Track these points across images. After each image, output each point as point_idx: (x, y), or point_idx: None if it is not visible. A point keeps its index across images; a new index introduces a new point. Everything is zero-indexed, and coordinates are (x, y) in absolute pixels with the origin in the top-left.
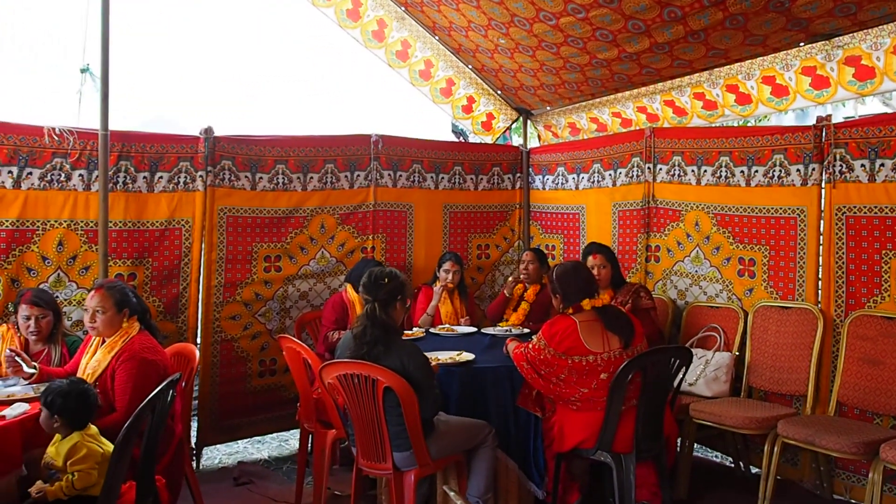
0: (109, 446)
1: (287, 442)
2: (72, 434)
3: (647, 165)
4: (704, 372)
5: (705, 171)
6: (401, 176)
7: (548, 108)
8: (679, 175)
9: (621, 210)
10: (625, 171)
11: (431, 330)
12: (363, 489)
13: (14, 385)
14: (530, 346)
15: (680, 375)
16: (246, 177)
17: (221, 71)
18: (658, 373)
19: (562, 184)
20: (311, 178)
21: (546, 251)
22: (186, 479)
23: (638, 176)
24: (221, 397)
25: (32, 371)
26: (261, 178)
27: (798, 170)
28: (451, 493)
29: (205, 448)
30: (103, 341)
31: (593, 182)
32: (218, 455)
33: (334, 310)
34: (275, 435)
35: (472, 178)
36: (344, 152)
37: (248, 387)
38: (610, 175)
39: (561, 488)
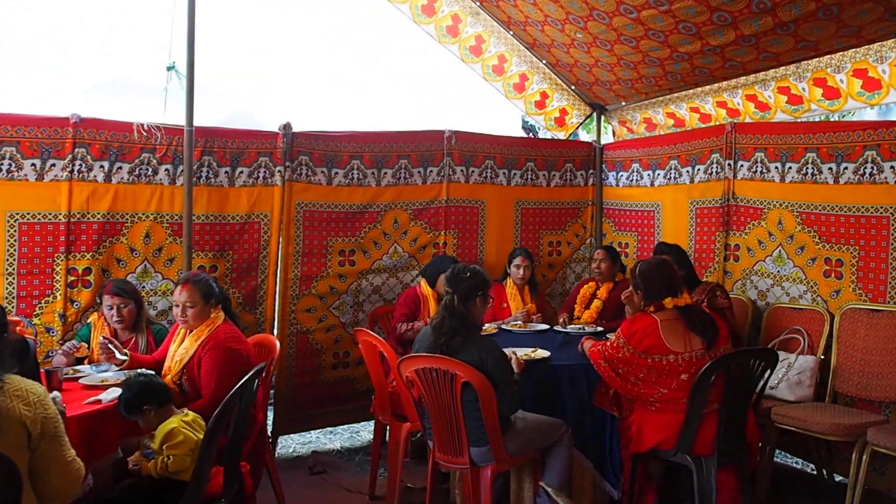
0: (202, 435)
1: (358, 434)
2: (171, 418)
3: (727, 162)
4: (787, 375)
5: (790, 167)
6: (473, 172)
7: (623, 103)
8: (761, 172)
9: (699, 207)
10: (703, 167)
11: (503, 326)
12: (436, 482)
13: (106, 371)
14: (608, 344)
15: (764, 378)
16: (322, 172)
17: (299, 68)
18: (742, 375)
19: (636, 180)
20: (385, 173)
21: (619, 249)
22: (266, 467)
23: (717, 173)
24: (296, 388)
25: (124, 358)
26: (336, 173)
27: (892, 167)
28: (549, 490)
29: (280, 437)
30: (191, 330)
31: (670, 179)
32: (292, 444)
33: (407, 303)
34: (346, 426)
35: (544, 175)
36: (417, 148)
37: (322, 378)
38: (687, 172)
39: (637, 489)
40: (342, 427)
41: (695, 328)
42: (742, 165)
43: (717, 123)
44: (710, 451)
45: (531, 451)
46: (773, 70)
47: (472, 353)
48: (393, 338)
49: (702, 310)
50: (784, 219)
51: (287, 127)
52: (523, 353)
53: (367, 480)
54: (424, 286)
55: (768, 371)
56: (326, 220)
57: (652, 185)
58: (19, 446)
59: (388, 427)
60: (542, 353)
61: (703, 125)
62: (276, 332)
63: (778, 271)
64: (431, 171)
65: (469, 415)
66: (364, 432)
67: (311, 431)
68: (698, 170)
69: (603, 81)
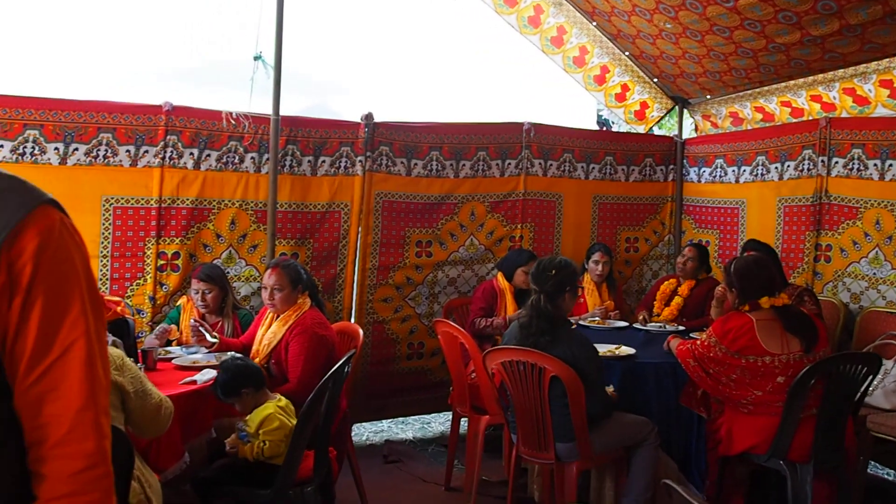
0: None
1: (429, 424)
2: (266, 403)
3: (820, 158)
4: (883, 382)
5: (891, 165)
6: (551, 165)
7: (708, 96)
8: (859, 169)
9: (787, 205)
10: (794, 164)
11: (581, 322)
12: (516, 476)
13: (195, 353)
14: (697, 342)
15: (865, 384)
16: (402, 162)
17: (376, 60)
18: (843, 380)
19: (720, 176)
20: (464, 165)
21: None
22: (347, 453)
23: (809, 169)
24: (370, 377)
25: (214, 340)
26: (415, 164)
27: None
28: (676, 486)
29: (353, 425)
30: (278, 315)
31: (756, 175)
32: (365, 433)
33: (484, 297)
34: (417, 417)
35: (623, 169)
36: (496, 140)
37: (396, 368)
38: (776, 168)
39: (724, 493)
40: (413, 417)
41: (793, 329)
42: (837, 162)
43: (811, 118)
44: (805, 458)
45: (617, 449)
46: (876, 63)
47: (562, 348)
48: (470, 332)
49: (801, 311)
50: (882, 219)
51: (369, 117)
52: (605, 350)
53: (441, 471)
54: (501, 280)
55: (871, 377)
56: (405, 211)
57: (737, 181)
58: (116, 408)
59: (463, 419)
60: (627, 350)
61: (795, 120)
62: (352, 320)
63: (874, 273)
64: (509, 164)
65: (556, 410)
66: (435, 423)
67: (384, 421)
68: (788, 166)
69: (689, 74)
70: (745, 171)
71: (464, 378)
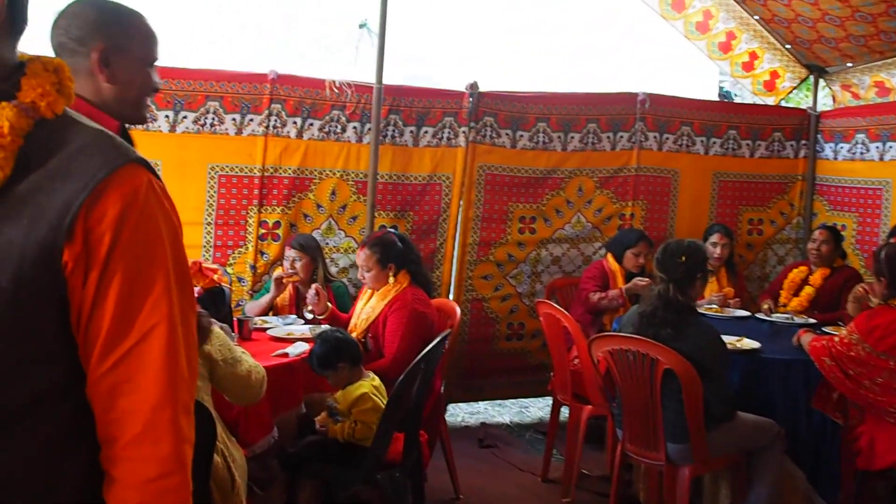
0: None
1: (527, 409)
2: (361, 381)
3: None
4: None
5: None
6: (667, 139)
7: (849, 64)
8: None
9: None
10: None
11: (697, 309)
12: (620, 473)
13: (291, 324)
14: (836, 339)
15: None
16: (507, 134)
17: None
18: None
19: (861, 154)
20: (572, 137)
21: None
22: (440, 436)
23: None
24: (467, 356)
25: (329, 306)
26: (521, 135)
27: None
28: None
29: (448, 405)
30: (374, 291)
31: None
32: (460, 413)
33: (595, 279)
34: (515, 400)
35: (747, 144)
36: (608, 111)
37: (495, 349)
38: None
39: None
40: (511, 400)
41: None
42: None
43: None
44: None
45: (736, 453)
46: None
47: (686, 341)
48: (585, 308)
49: None
50: None
51: (473, 86)
52: (727, 341)
53: (538, 460)
54: (611, 261)
55: None
56: (508, 185)
57: (881, 159)
58: (203, 377)
59: (564, 406)
60: (750, 343)
61: None
62: (450, 297)
63: None
64: (621, 137)
65: (669, 407)
66: (534, 408)
67: (480, 402)
68: None
69: (828, 39)
70: (891, 147)
71: (566, 364)
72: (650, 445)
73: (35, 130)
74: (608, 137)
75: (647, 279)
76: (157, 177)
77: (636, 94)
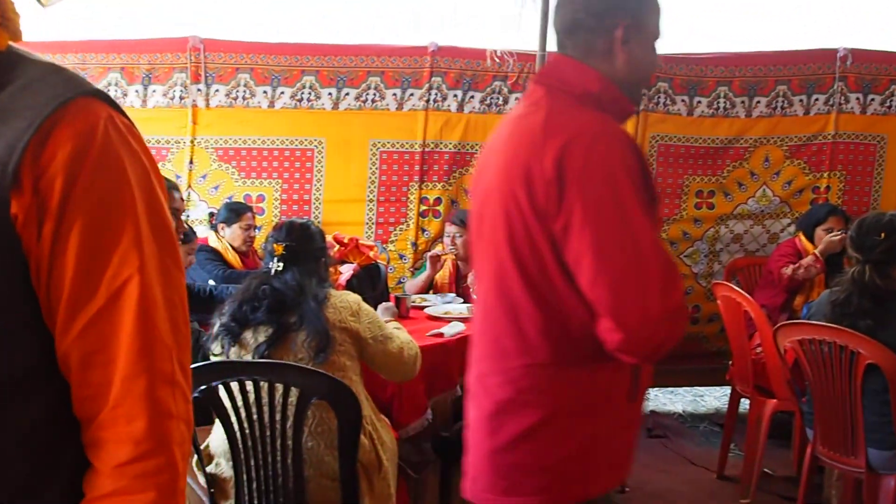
0: None
1: (702, 398)
2: None
3: None
4: None
5: None
6: (872, 100)
7: None
8: None
9: None
10: None
11: None
12: (811, 475)
13: (450, 302)
14: None
15: None
16: (682, 101)
17: None
18: None
19: None
20: (758, 102)
21: None
22: None
23: None
24: None
25: None
26: (699, 102)
27: None
28: None
29: None
30: None
31: None
32: None
33: (786, 257)
34: (688, 388)
35: None
36: (801, 71)
37: None
38: None
39: None
40: (683, 388)
41: None
42: None
43: None
44: None
45: None
46: None
47: (891, 330)
48: (780, 288)
49: None
50: None
51: None
52: None
53: (713, 454)
54: (804, 241)
55: None
56: (684, 156)
57: None
58: (351, 356)
59: (744, 399)
60: None
61: None
62: None
63: None
64: (817, 100)
65: (872, 407)
66: (709, 398)
67: (650, 389)
68: None
69: None
70: None
71: (747, 352)
72: (847, 450)
73: None
74: (801, 101)
75: (841, 233)
76: (122, 112)
77: (835, 50)
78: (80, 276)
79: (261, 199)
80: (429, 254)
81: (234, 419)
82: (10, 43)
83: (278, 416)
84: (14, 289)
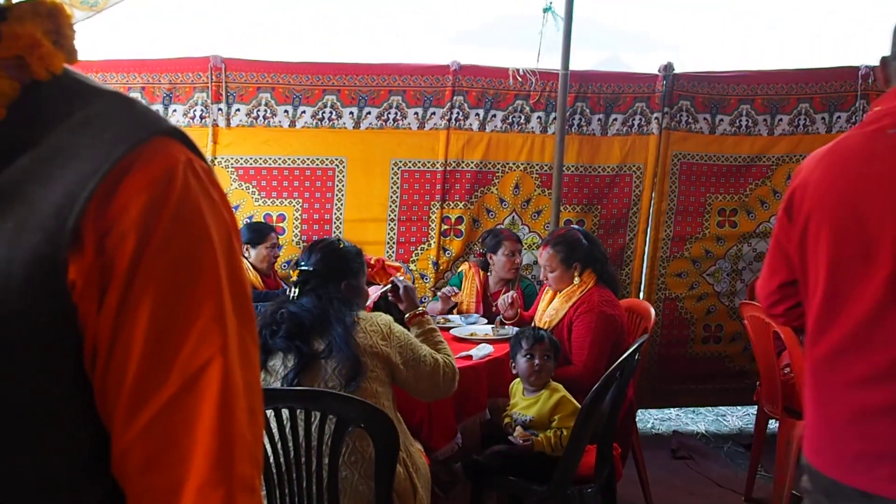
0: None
1: (724, 417)
2: (555, 391)
3: None
4: None
5: None
6: None
7: None
8: None
9: None
10: None
11: None
12: None
13: (474, 323)
14: None
15: None
16: (705, 119)
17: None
18: None
19: None
20: (780, 120)
21: None
22: (632, 447)
23: None
24: (659, 359)
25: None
26: (721, 120)
27: None
28: None
29: (638, 410)
30: (556, 292)
31: None
32: (650, 419)
33: None
34: (711, 408)
35: None
36: (823, 89)
37: (689, 352)
38: None
39: None
40: (706, 408)
41: None
42: None
43: None
44: None
45: None
46: None
47: None
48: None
49: None
50: None
51: (668, 68)
52: None
53: (740, 476)
54: None
55: None
56: (706, 175)
57: None
58: (382, 382)
59: (770, 420)
60: None
61: None
62: (641, 296)
63: None
64: (839, 118)
65: None
66: (732, 417)
67: (672, 409)
68: None
69: None
70: None
71: (775, 373)
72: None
73: (23, 98)
74: (823, 119)
75: None
76: (201, 156)
77: (857, 68)
78: (149, 357)
79: (281, 218)
80: (440, 292)
81: (268, 447)
82: (66, 66)
83: (314, 444)
84: (64, 372)
